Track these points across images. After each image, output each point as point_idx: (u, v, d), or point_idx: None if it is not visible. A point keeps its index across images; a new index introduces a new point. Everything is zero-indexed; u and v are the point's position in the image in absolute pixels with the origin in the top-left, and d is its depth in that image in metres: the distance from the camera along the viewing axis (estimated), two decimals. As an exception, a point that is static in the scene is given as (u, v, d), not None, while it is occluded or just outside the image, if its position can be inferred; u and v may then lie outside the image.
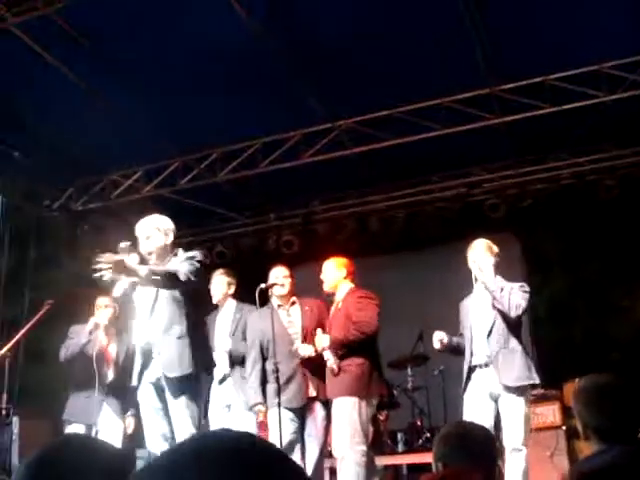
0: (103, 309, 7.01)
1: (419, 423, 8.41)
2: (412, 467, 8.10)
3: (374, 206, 10.32)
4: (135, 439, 6.56)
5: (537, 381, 5.46)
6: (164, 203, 9.50)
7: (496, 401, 5.41)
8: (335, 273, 6.21)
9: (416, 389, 8.55)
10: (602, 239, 9.63)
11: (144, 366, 4.91)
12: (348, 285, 6.18)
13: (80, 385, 6.92)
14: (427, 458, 7.56)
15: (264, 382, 6.11)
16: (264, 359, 6.16)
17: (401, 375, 8.59)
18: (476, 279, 5.68)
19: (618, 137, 8.94)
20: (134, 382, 4.96)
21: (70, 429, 6.79)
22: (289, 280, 6.34)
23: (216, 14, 6.44)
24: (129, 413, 6.97)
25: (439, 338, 5.72)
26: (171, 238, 4.97)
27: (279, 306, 6.32)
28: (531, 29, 6.83)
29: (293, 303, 6.36)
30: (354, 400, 5.62)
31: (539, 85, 7.73)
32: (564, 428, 7.56)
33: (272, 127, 8.55)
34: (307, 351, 5.96)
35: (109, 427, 6.80)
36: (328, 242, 9.88)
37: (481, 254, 5.66)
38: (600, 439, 2.59)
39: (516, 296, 5.42)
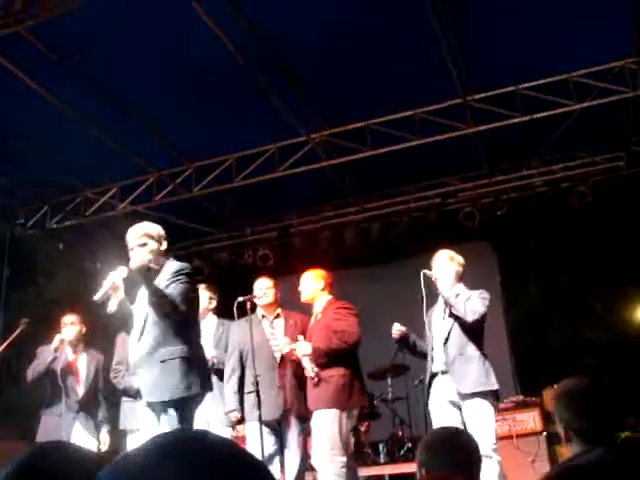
0: (69, 326, 6.97)
1: (400, 433, 8.41)
2: (394, 477, 8.09)
3: (350, 218, 10.36)
4: (112, 455, 6.50)
5: (495, 387, 5.39)
6: (140, 219, 9.45)
7: (460, 409, 5.41)
8: (313, 285, 6.22)
9: (397, 399, 8.56)
10: (576, 246, 9.73)
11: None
12: (326, 297, 6.19)
13: (50, 404, 6.87)
14: (409, 468, 7.58)
15: (241, 391, 6.13)
16: (242, 368, 6.18)
17: (381, 386, 8.59)
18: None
19: (590, 144, 9.05)
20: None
21: None
22: (272, 291, 6.36)
23: (190, 31, 6.45)
24: (104, 430, 6.93)
25: (397, 328, 5.79)
26: (165, 245, 4.88)
27: (263, 317, 6.35)
28: (502, 39, 6.89)
29: (278, 315, 6.37)
30: (334, 412, 5.61)
31: (511, 95, 7.82)
32: (545, 434, 7.60)
33: (246, 141, 8.56)
34: (304, 348, 5.93)
35: (82, 445, 6.72)
36: (304, 255, 9.90)
37: (442, 263, 5.73)
38: (582, 441, 2.61)
39: (473, 302, 5.44)
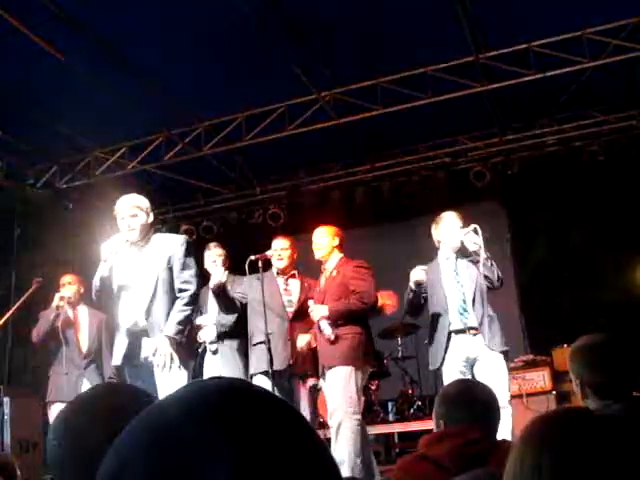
0: (67, 286, 7.00)
1: (410, 392, 8.47)
2: (403, 436, 8.16)
3: (360, 177, 10.31)
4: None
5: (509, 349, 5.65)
6: (149, 179, 9.48)
7: (472, 367, 5.49)
8: (329, 241, 6.17)
9: (406, 358, 8.61)
10: (587, 206, 9.67)
11: (131, 348, 4.92)
12: (338, 255, 6.17)
13: (56, 363, 6.92)
14: (418, 426, 7.64)
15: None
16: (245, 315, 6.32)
17: (391, 345, 8.64)
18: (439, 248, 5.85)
19: (602, 103, 8.97)
20: (116, 362, 4.97)
21: (54, 409, 6.78)
22: (288, 252, 6.35)
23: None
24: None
25: (419, 274, 5.76)
26: (152, 217, 5.06)
27: (278, 274, 6.37)
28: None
29: (293, 275, 6.39)
30: (350, 369, 5.63)
31: (523, 52, 7.72)
32: (554, 393, 7.64)
33: (256, 100, 8.50)
34: (302, 341, 6.04)
35: None
36: (314, 214, 9.86)
37: (455, 226, 5.75)
38: (599, 397, 2.61)
39: (496, 267, 5.59)
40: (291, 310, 6.18)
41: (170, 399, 0.80)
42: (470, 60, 7.82)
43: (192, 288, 5.01)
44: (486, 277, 5.54)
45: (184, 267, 4.99)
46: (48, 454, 1.38)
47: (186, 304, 4.94)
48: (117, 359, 4.93)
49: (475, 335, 5.49)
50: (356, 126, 8.85)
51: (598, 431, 1.26)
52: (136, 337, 4.90)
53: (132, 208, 4.97)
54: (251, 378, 6.06)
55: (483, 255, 5.52)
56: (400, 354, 8.58)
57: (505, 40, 7.63)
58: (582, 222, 9.79)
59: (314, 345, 5.97)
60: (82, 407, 1.43)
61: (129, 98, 8.00)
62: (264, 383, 5.66)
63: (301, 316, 6.12)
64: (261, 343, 5.94)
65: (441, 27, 7.24)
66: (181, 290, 4.95)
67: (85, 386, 6.74)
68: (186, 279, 4.98)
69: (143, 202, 5.07)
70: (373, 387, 8.31)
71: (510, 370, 7.52)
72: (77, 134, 8.78)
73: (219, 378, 0.83)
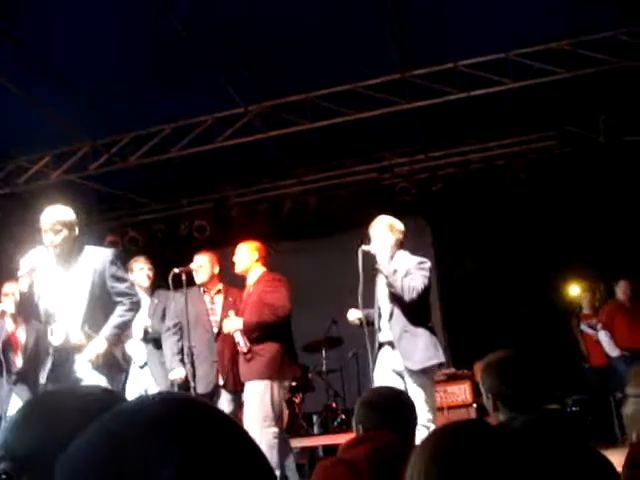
0: (11, 296, 6.81)
1: (334, 405, 8.51)
2: (328, 448, 8.18)
3: (287, 190, 10.35)
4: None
5: (442, 359, 5.40)
6: (74, 189, 9.32)
7: (403, 378, 5.34)
8: (247, 256, 6.21)
9: (331, 372, 8.65)
10: (510, 223, 9.90)
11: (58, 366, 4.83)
12: (260, 269, 6.19)
13: None
14: (343, 439, 7.65)
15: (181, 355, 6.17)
16: (181, 336, 6.19)
17: (316, 358, 8.67)
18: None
19: (525, 123, 9.20)
20: (41, 380, 4.84)
21: None
22: (206, 268, 6.34)
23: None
24: None
25: (356, 316, 5.63)
26: (77, 232, 4.92)
27: (204, 291, 6.34)
28: (441, 16, 6.93)
29: (219, 291, 6.37)
30: (265, 383, 5.65)
31: (449, 71, 7.88)
32: (475, 406, 7.78)
33: (184, 111, 8.46)
34: (230, 325, 5.95)
35: None
36: (241, 227, 9.86)
37: (381, 232, 5.60)
38: (508, 409, 2.69)
39: (412, 278, 5.31)
40: (215, 330, 6.17)
41: (123, 409, 0.86)
42: (397, 77, 7.95)
43: (133, 296, 4.99)
44: (394, 295, 5.40)
45: (119, 280, 4.94)
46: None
47: (127, 310, 4.90)
48: (42, 377, 4.79)
49: (394, 349, 5.40)
50: (284, 139, 8.89)
51: (484, 442, 1.31)
52: (65, 355, 4.79)
53: (55, 223, 4.79)
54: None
55: (384, 272, 5.42)
56: (324, 367, 8.62)
57: (432, 59, 7.77)
58: (505, 239, 10.01)
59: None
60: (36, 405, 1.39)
61: (54, 106, 7.87)
62: None
63: (227, 335, 6.12)
64: (185, 363, 5.94)
65: (369, 44, 7.34)
66: (119, 300, 4.89)
67: (14, 401, 6.57)
68: (123, 290, 4.94)
69: (68, 216, 4.88)
70: (297, 400, 8.32)
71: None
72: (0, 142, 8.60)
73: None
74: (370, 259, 5.60)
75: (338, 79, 8.02)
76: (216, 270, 6.41)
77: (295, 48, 7.28)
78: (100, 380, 4.66)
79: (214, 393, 6.02)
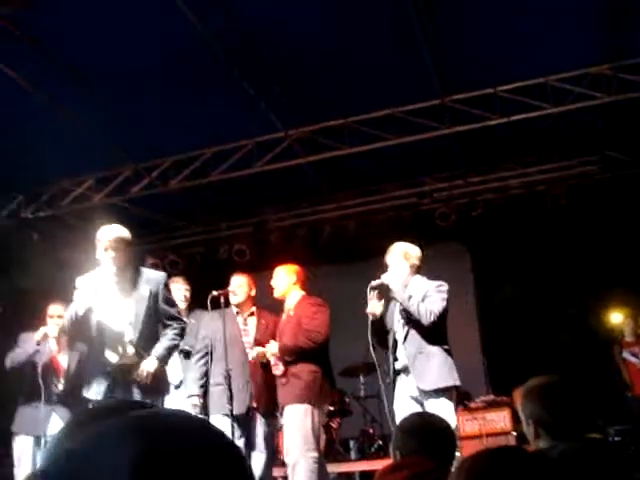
0: (56, 319, 6.86)
1: (371, 431, 8.46)
2: (365, 474, 8.13)
3: (326, 215, 10.37)
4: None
5: (457, 383, 5.33)
6: (115, 212, 9.43)
7: (422, 405, 5.31)
8: (286, 280, 6.23)
9: (368, 397, 8.60)
10: (550, 248, 9.81)
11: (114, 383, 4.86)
12: (299, 293, 6.20)
13: (28, 395, 6.78)
14: (380, 465, 7.60)
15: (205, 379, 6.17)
16: (210, 359, 6.19)
17: (353, 383, 8.63)
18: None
19: (565, 148, 9.13)
20: (96, 396, 4.81)
21: (18, 441, 6.68)
22: (244, 289, 6.36)
23: (168, 20, 6.41)
24: None
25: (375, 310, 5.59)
26: (131, 251, 5.00)
27: (237, 313, 6.36)
28: (481, 41, 6.94)
29: (252, 314, 6.39)
30: (305, 407, 5.64)
31: (489, 96, 7.86)
32: (514, 433, 7.66)
33: (224, 136, 8.54)
34: (254, 353, 6.01)
35: None
36: (280, 251, 9.89)
37: (396, 260, 5.64)
38: (549, 437, 2.65)
39: (430, 301, 5.33)
40: (249, 352, 6.18)
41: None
42: (436, 103, 7.95)
43: (182, 322, 5.10)
44: (409, 319, 5.40)
45: (170, 303, 5.06)
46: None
47: (177, 334, 5.01)
48: (98, 393, 4.79)
49: (408, 375, 5.38)
50: (323, 164, 8.93)
51: (520, 469, 1.30)
52: (120, 374, 4.83)
53: (117, 241, 4.88)
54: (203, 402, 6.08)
55: (398, 299, 5.43)
56: (362, 393, 8.58)
57: (471, 84, 7.77)
58: (545, 264, 9.92)
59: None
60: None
61: (97, 130, 8.00)
62: (222, 424, 5.65)
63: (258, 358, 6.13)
64: (219, 385, 5.94)
65: (408, 69, 7.36)
66: (170, 324, 4.96)
67: (55, 420, 6.62)
68: (174, 314, 5.06)
69: (127, 235, 5.00)
70: (334, 425, 8.28)
71: (470, 410, 7.57)
72: (44, 164, 8.74)
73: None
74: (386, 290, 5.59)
75: (377, 104, 8.05)
76: (252, 292, 6.44)
77: (335, 73, 7.33)
78: (147, 400, 4.69)
79: (248, 414, 6.01)
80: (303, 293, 6.21)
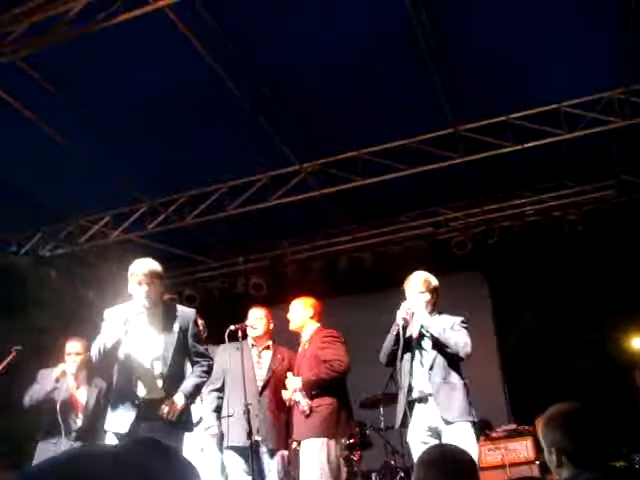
0: (74, 356, 6.86)
1: (393, 463, 8.36)
2: (387, 507, 8.04)
3: (342, 247, 10.37)
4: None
5: (476, 419, 5.26)
6: (132, 247, 9.48)
7: (439, 435, 5.24)
8: (302, 313, 6.23)
9: (389, 428, 8.51)
10: (568, 274, 9.75)
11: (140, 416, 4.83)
12: (314, 325, 6.20)
13: (47, 432, 6.77)
14: (402, 498, 7.53)
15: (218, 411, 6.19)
16: (222, 392, 6.22)
17: (373, 415, 8.55)
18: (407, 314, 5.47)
19: (580, 174, 9.11)
20: (122, 429, 4.74)
21: None
22: (263, 322, 6.37)
23: (181, 58, 6.49)
24: None
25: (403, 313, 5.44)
26: (163, 285, 5.02)
27: (253, 345, 6.35)
28: (492, 69, 6.97)
29: (267, 347, 6.38)
30: (322, 440, 5.61)
31: (501, 124, 7.87)
32: (537, 463, 7.57)
33: (239, 170, 8.59)
34: (289, 386, 5.96)
35: None
36: (297, 284, 9.89)
37: (415, 290, 5.54)
38: (573, 465, 2.60)
39: (461, 335, 5.30)
40: (260, 384, 6.15)
41: None
42: (450, 131, 7.97)
43: (209, 359, 5.09)
44: (441, 349, 5.33)
45: (198, 340, 5.06)
46: None
47: (205, 372, 5.00)
48: (123, 426, 4.72)
49: (426, 404, 5.29)
50: (338, 196, 8.95)
51: None
52: (148, 408, 4.78)
53: (150, 275, 4.89)
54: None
55: (435, 333, 5.33)
56: (382, 424, 8.49)
57: (484, 112, 7.79)
58: (563, 291, 9.86)
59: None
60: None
61: (113, 168, 8.08)
62: (234, 457, 5.61)
63: (269, 390, 6.11)
64: (230, 416, 5.95)
65: (420, 99, 7.39)
66: (197, 360, 4.95)
67: None
68: (202, 351, 5.05)
69: (160, 269, 5.02)
70: (355, 458, 8.18)
71: (492, 440, 7.49)
72: (61, 202, 8.81)
73: None
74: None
75: (390, 135, 8.08)
76: (270, 326, 6.44)
77: (347, 105, 7.38)
78: (172, 437, 4.66)
79: (255, 447, 5.96)
80: (318, 325, 6.20)
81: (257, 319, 6.37)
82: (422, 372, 5.39)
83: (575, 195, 9.39)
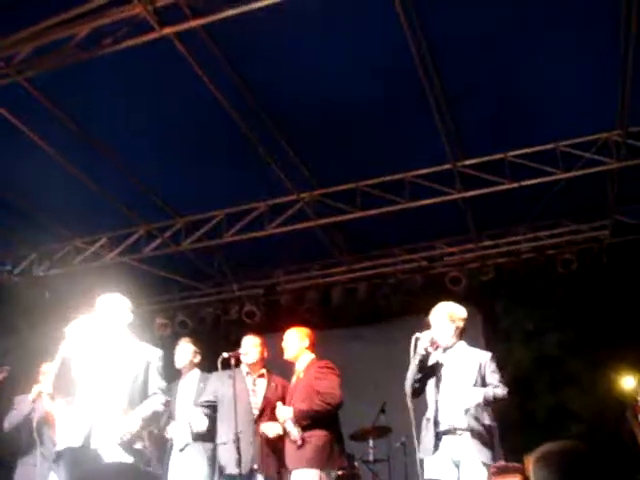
0: (49, 375, 6.87)
1: (381, 496, 8.32)
2: (373, 541, 7.99)
3: (337, 278, 10.38)
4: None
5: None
6: (126, 270, 9.49)
7: (457, 467, 5.19)
8: (298, 343, 6.22)
9: (378, 461, 8.48)
10: (561, 313, 9.76)
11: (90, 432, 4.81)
12: (309, 356, 6.19)
13: (26, 454, 6.78)
14: (389, 532, 7.48)
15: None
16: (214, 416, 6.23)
17: (363, 447, 8.52)
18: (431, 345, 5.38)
19: (576, 213, 9.17)
20: (76, 443, 4.66)
21: None
22: (257, 349, 6.37)
23: (182, 87, 6.55)
24: None
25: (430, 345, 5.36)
26: (131, 318, 5.07)
27: (247, 373, 6.35)
28: (491, 107, 7.03)
29: (262, 375, 6.37)
30: (314, 471, 5.55)
31: (499, 162, 7.93)
32: (525, 501, 7.53)
33: (237, 198, 8.63)
34: (272, 431, 5.94)
35: None
36: (290, 313, 9.90)
37: (441, 321, 5.50)
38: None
39: (499, 389, 5.30)
40: (256, 413, 6.14)
41: None
42: (448, 168, 8.03)
43: (167, 396, 5.14)
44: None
45: (161, 376, 5.07)
46: None
47: (163, 403, 4.98)
48: (77, 440, 4.64)
49: (454, 436, 5.24)
50: (335, 227, 8.99)
51: None
52: (101, 427, 4.70)
53: (117, 308, 5.02)
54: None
55: (483, 399, 5.28)
56: (371, 457, 8.46)
57: (482, 149, 7.85)
58: (556, 328, 9.87)
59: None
60: None
61: (111, 190, 8.12)
62: None
63: (265, 418, 6.09)
64: (224, 444, 5.94)
65: (420, 135, 7.45)
66: (156, 392, 4.98)
67: (53, 478, 6.52)
68: (163, 388, 5.05)
69: (124, 303, 5.10)
70: (343, 490, 8.16)
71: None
72: (57, 223, 8.84)
73: None
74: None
75: (389, 168, 8.13)
76: (265, 354, 6.44)
77: (347, 138, 7.43)
78: (127, 459, 4.63)
79: (251, 476, 5.94)
80: (313, 356, 6.19)
81: (251, 346, 6.37)
82: (454, 405, 5.31)
83: (570, 234, 9.43)
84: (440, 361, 5.49)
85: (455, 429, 5.27)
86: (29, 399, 6.75)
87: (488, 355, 5.49)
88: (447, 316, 5.53)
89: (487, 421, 5.30)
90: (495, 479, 7.75)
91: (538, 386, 9.83)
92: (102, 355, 4.89)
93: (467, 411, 5.26)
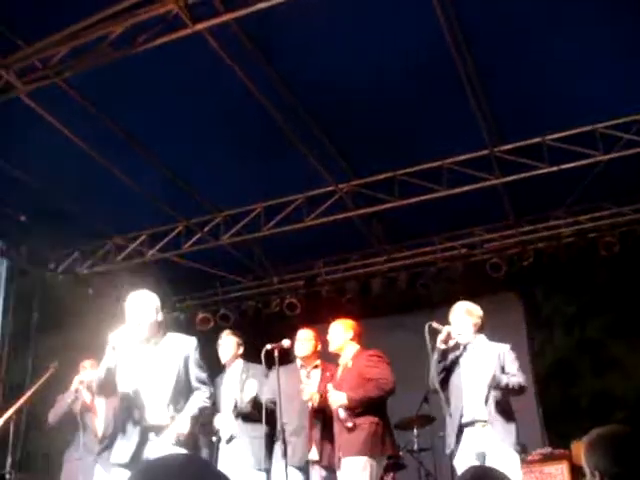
0: (89, 369, 6.98)
1: (426, 485, 8.32)
2: (421, 530, 7.99)
3: (376, 267, 10.37)
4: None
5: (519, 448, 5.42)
6: (167, 266, 9.58)
7: (484, 460, 5.28)
8: (342, 335, 6.26)
9: (422, 450, 8.48)
10: (604, 297, 9.66)
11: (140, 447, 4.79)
12: (355, 347, 6.21)
13: (72, 448, 6.88)
14: (436, 520, 7.48)
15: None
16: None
17: (407, 436, 8.52)
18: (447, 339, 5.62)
19: (616, 195, 9.04)
20: (122, 460, 4.71)
21: None
22: (311, 343, 6.48)
23: (220, 81, 6.58)
24: None
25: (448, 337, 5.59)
26: (161, 316, 5.05)
27: (301, 366, 6.43)
28: (528, 90, 6.97)
29: (316, 366, 6.43)
30: (365, 459, 5.58)
31: (537, 146, 7.86)
32: (573, 487, 7.49)
33: (275, 190, 8.66)
34: (336, 401, 5.90)
35: None
36: (331, 304, 9.91)
37: (459, 317, 5.71)
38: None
39: (517, 377, 5.40)
40: (310, 404, 6.16)
41: None
42: (485, 153, 7.97)
43: (210, 387, 5.11)
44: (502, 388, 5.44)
45: (201, 368, 5.05)
46: None
47: (208, 397, 4.99)
48: (124, 457, 4.68)
49: (476, 429, 5.37)
50: (373, 217, 8.98)
51: None
52: (153, 432, 4.77)
53: (141, 306, 4.98)
54: (267, 472, 6.07)
55: (502, 384, 5.37)
56: (416, 446, 8.46)
57: (519, 134, 7.78)
58: (599, 313, 9.77)
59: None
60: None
61: (150, 187, 8.18)
62: (281, 476, 5.63)
63: (322, 410, 6.11)
64: (277, 435, 5.98)
65: (456, 121, 7.41)
66: (199, 387, 4.97)
67: (98, 471, 6.60)
68: (204, 379, 5.04)
69: (152, 301, 5.06)
70: (388, 479, 8.17)
71: (527, 463, 7.41)
72: (99, 221, 8.94)
73: None
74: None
75: (426, 156, 8.10)
76: (318, 347, 6.50)
77: (383, 126, 7.41)
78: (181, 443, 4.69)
79: (306, 467, 5.98)
80: (359, 347, 6.22)
81: (305, 339, 6.46)
82: (476, 400, 5.44)
83: (611, 217, 9.31)
84: (460, 355, 5.67)
85: (476, 421, 5.39)
86: (71, 390, 6.86)
87: (507, 346, 5.63)
88: (465, 312, 5.75)
89: (508, 410, 5.38)
90: (542, 466, 7.73)
91: (581, 371, 9.75)
92: (144, 360, 4.90)
93: (486, 401, 5.35)
